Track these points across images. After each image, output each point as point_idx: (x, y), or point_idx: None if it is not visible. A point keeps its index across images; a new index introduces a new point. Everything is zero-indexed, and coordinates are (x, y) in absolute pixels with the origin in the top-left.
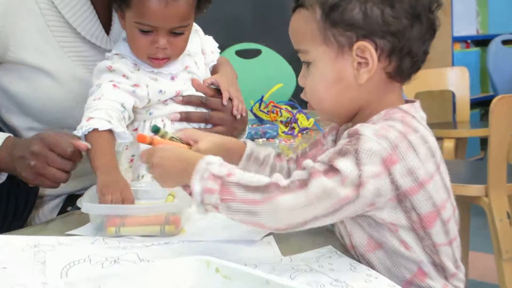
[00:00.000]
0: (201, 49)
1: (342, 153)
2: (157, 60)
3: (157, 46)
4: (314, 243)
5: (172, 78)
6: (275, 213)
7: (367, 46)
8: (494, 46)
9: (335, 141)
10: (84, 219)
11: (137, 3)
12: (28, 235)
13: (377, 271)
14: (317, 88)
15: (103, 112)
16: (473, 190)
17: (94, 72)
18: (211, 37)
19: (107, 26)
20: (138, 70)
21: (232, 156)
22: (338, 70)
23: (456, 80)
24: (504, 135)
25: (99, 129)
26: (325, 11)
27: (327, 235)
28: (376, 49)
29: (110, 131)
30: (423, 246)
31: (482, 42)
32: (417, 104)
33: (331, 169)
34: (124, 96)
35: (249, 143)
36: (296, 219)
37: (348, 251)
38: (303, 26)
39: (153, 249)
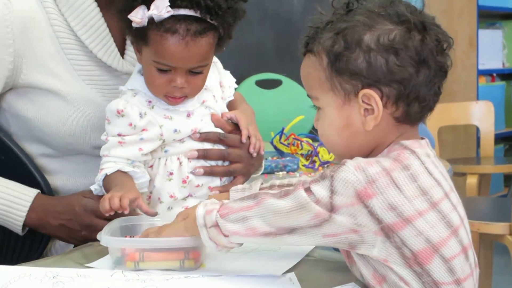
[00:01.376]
0: (219, 81)
1: (321, 177)
2: (174, 99)
3: (175, 85)
4: (336, 281)
5: (188, 115)
6: (264, 215)
7: (372, 94)
8: None
9: None
10: (103, 251)
11: (156, 42)
12: (46, 266)
13: None
14: (327, 133)
15: (112, 163)
16: (497, 228)
17: (106, 110)
18: (228, 72)
19: (121, 49)
20: (152, 107)
21: None
22: (346, 116)
23: (481, 115)
24: None
25: (108, 173)
26: (330, 59)
27: (348, 272)
28: (381, 97)
29: (122, 171)
30: (422, 283)
31: (508, 75)
32: (424, 141)
33: (309, 190)
34: (130, 151)
35: (232, 194)
36: (283, 223)
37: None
38: (312, 72)
39: (173, 283)
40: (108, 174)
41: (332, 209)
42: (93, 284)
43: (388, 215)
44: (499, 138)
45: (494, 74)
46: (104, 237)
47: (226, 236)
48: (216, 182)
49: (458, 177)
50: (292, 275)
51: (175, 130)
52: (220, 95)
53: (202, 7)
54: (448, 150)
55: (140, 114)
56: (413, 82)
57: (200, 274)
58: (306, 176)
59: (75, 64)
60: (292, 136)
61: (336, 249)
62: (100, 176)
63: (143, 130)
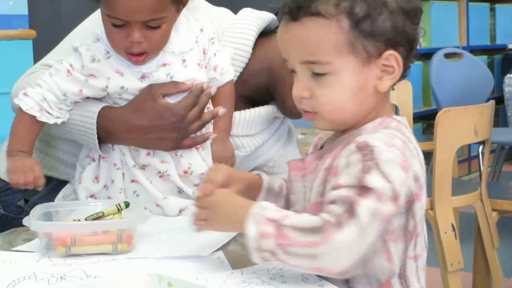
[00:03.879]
0: (202, 47)
1: (365, 170)
2: (134, 56)
3: (131, 40)
4: None
5: (143, 77)
6: (336, 253)
7: (395, 54)
8: (437, 59)
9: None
10: (28, 236)
11: None
12: None
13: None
14: (340, 98)
15: (39, 94)
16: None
17: (70, 39)
18: (229, 49)
19: None
20: (108, 58)
21: (251, 192)
22: (363, 79)
23: (399, 94)
24: (449, 148)
25: (24, 110)
26: (354, 21)
27: None
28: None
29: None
30: (398, 258)
31: (424, 55)
32: (405, 119)
33: (364, 190)
34: (70, 86)
35: (264, 176)
36: (356, 253)
37: None
38: (325, 36)
39: (100, 266)
40: (22, 109)
41: (395, 196)
42: (19, 269)
43: (414, 186)
44: (417, 117)
45: None
46: (34, 221)
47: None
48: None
49: None
50: (220, 253)
51: (122, 87)
52: (197, 61)
53: None
54: None
55: (93, 58)
56: (417, 41)
57: (127, 256)
58: (334, 192)
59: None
60: None
61: None
62: (19, 101)
63: (91, 75)
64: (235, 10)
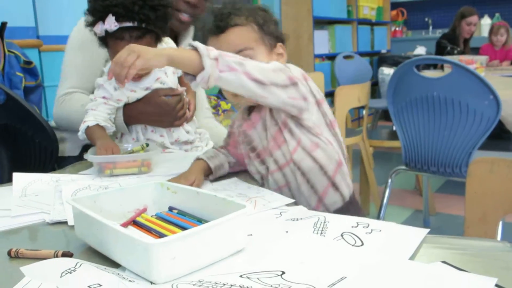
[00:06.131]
0: None
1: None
2: (134, 79)
3: None
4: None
5: (146, 89)
6: (255, 67)
7: (282, 46)
8: (339, 59)
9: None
10: (89, 165)
11: (112, 46)
12: (53, 173)
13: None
14: None
15: (92, 118)
16: (354, 140)
17: (95, 83)
18: None
19: None
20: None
21: (208, 175)
22: (269, 60)
23: (316, 80)
24: (343, 110)
25: (89, 125)
26: (259, 25)
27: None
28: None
29: (98, 125)
30: (337, 141)
31: (331, 57)
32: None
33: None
34: (110, 108)
35: (209, 161)
36: (269, 76)
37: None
38: (245, 34)
39: (130, 180)
40: (89, 126)
41: (293, 79)
42: (80, 184)
43: (317, 94)
44: (327, 94)
45: (324, 57)
46: (90, 156)
47: (220, 71)
48: None
49: None
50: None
51: (137, 98)
52: (172, 71)
53: (137, 19)
54: None
55: (114, 87)
56: (284, 38)
57: (147, 175)
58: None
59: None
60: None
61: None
62: (83, 127)
63: (118, 100)
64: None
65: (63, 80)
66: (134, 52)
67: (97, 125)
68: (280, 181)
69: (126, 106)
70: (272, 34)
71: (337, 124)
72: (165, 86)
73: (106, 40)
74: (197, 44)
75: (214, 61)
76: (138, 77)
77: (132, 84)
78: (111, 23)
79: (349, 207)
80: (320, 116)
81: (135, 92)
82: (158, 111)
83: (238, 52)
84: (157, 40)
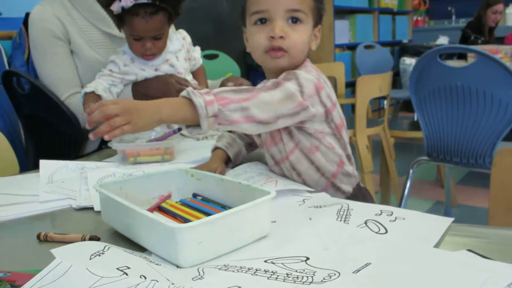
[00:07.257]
0: (186, 48)
1: (286, 79)
2: (147, 56)
3: (146, 48)
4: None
5: (156, 70)
6: (260, 105)
7: (320, 29)
8: (359, 49)
9: None
10: (113, 153)
11: (128, 22)
12: (78, 161)
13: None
14: (303, 41)
15: (94, 85)
16: (348, 133)
17: (109, 59)
18: (198, 47)
19: None
20: (133, 62)
21: (227, 163)
22: (310, 36)
23: (337, 70)
24: (364, 99)
25: (87, 92)
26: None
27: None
28: None
29: (94, 93)
30: (340, 145)
31: (352, 47)
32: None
33: (280, 84)
34: (113, 80)
35: (227, 150)
36: (275, 111)
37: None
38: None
39: (153, 168)
40: (87, 92)
41: (303, 104)
42: (105, 171)
43: (327, 102)
44: (348, 83)
45: (344, 47)
46: (114, 144)
47: (219, 124)
48: None
49: None
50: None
51: (145, 77)
52: (184, 57)
53: None
54: None
55: (124, 64)
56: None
57: (170, 163)
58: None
59: (90, 37)
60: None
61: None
62: (82, 92)
63: (125, 74)
64: None
65: (53, 88)
66: (126, 116)
67: (94, 93)
68: (280, 174)
69: (139, 83)
70: (321, 13)
71: (345, 124)
72: (173, 70)
73: (122, 17)
74: (196, 101)
75: (212, 119)
76: (150, 55)
77: (142, 63)
78: (127, 0)
79: (354, 198)
80: (325, 126)
81: (144, 71)
82: (163, 89)
83: (292, 11)
84: (169, 20)
